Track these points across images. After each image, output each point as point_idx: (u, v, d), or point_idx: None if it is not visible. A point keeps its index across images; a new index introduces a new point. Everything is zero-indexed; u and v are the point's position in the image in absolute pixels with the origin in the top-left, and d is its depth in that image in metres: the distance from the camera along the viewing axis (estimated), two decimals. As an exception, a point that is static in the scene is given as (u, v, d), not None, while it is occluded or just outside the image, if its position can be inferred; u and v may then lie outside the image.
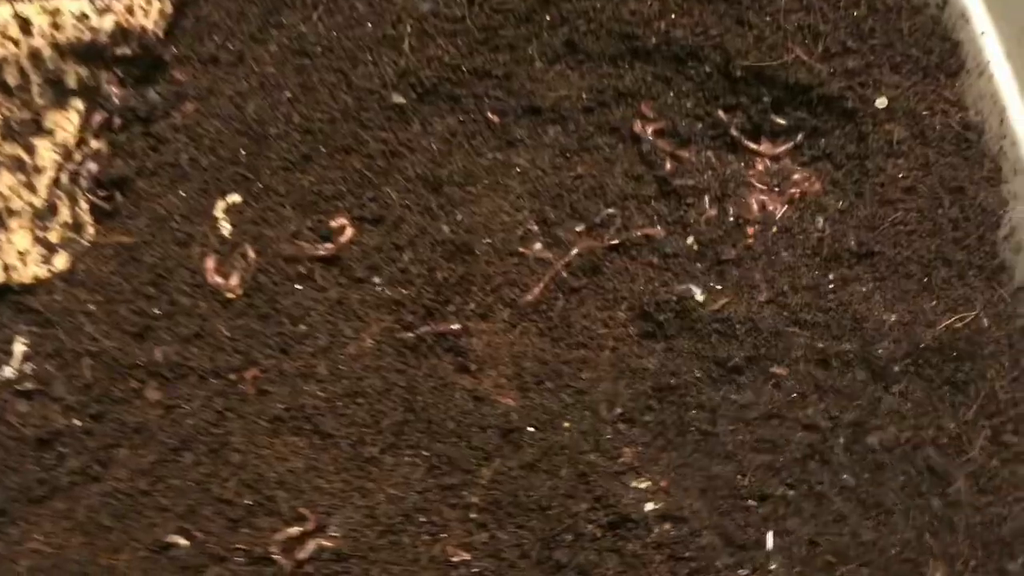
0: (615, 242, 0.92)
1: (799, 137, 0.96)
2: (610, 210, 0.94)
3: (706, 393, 0.85)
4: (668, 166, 0.94)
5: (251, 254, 0.89)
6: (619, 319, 0.91)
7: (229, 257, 0.89)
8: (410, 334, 0.87)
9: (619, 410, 0.85)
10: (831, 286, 0.87)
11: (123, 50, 0.90)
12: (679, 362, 0.87)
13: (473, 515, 0.81)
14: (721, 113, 0.97)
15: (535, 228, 0.94)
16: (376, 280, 0.89)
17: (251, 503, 0.82)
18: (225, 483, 0.82)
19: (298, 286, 0.89)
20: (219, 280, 0.88)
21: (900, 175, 0.90)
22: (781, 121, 0.96)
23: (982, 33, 0.91)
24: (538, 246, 0.93)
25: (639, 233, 0.92)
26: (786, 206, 0.93)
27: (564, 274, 0.91)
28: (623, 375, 0.88)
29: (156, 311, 0.87)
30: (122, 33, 0.89)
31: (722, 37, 0.94)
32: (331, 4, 0.96)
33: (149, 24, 0.91)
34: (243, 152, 0.92)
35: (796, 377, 0.85)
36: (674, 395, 0.86)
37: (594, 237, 0.93)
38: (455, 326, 0.89)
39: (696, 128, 0.97)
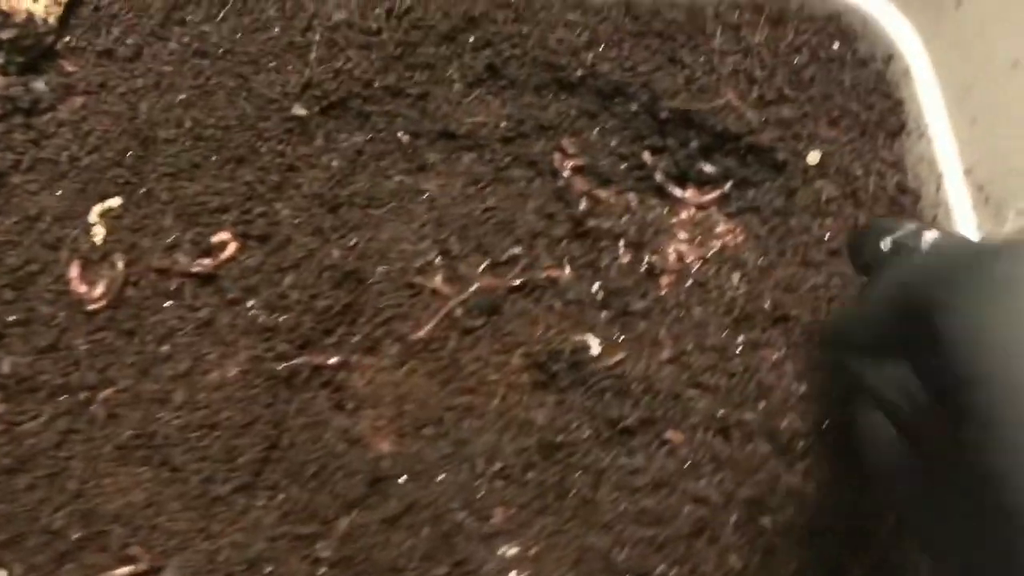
0: (518, 282, 0.86)
1: (727, 186, 0.90)
2: (517, 248, 0.87)
3: (593, 454, 0.79)
4: (584, 205, 0.88)
5: (120, 264, 0.82)
6: (513, 366, 0.84)
7: (98, 265, 0.82)
8: (282, 365, 0.81)
9: (499, 465, 0.79)
10: (739, 349, 0.81)
11: (7, 35, 0.84)
12: (569, 418, 0.80)
13: (322, 570, 0.74)
14: (647, 155, 0.91)
15: (437, 259, 0.88)
16: (251, 303, 0.82)
17: (82, 536, 0.74)
18: (57, 512, 0.75)
19: (167, 303, 0.82)
20: (83, 289, 0.81)
21: (826, 236, 0.85)
22: (709, 168, 0.90)
23: (925, 93, 0.86)
24: (437, 279, 0.87)
25: (544, 275, 0.86)
26: (704, 259, 0.87)
27: (460, 312, 0.85)
28: (509, 427, 0.81)
29: (11, 318, 0.80)
30: (4, 16, 0.82)
31: (651, 75, 0.89)
32: (239, 5, 0.90)
33: (39, 9, 0.85)
34: (129, 154, 0.86)
35: (691, 445, 0.78)
36: (560, 454, 0.79)
37: (497, 275, 0.87)
38: (333, 360, 0.82)
39: (619, 168, 0.91)
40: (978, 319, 0.41)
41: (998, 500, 0.39)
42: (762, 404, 0.79)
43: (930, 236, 0.62)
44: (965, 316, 0.42)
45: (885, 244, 0.63)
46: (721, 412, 0.78)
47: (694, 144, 0.90)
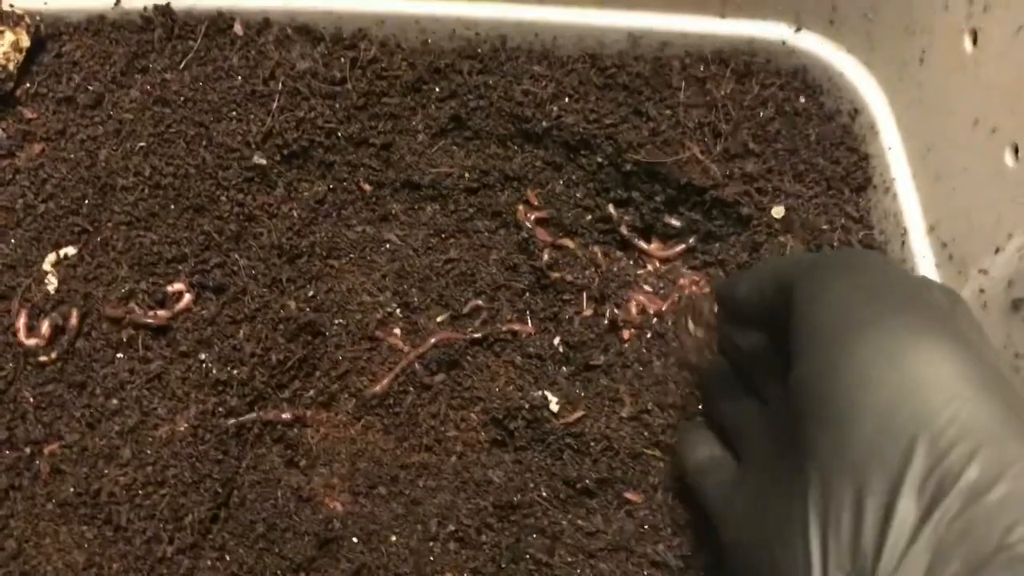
0: (478, 335, 0.84)
1: (691, 240, 0.89)
2: (478, 300, 0.86)
3: (551, 516, 0.77)
4: (547, 257, 0.87)
5: (74, 315, 0.80)
6: (471, 422, 0.82)
7: (49, 315, 0.81)
8: (233, 420, 0.79)
9: (452, 527, 0.76)
10: (699, 407, 0.79)
11: (-36, 82, 0.83)
12: (527, 477, 0.78)
13: (267, 635, 0.72)
14: (611, 208, 0.90)
15: (397, 312, 0.87)
16: (203, 356, 0.80)
17: (20, 599, 0.72)
18: (-7, 573, 0.73)
19: (119, 355, 0.80)
20: (32, 341, 0.79)
21: (791, 291, 0.83)
22: (674, 222, 0.89)
23: (889, 148, 0.85)
24: (396, 332, 0.86)
25: (505, 328, 0.85)
26: (666, 311, 0.85)
27: (418, 366, 0.83)
28: (465, 486, 0.79)
29: (-43, 369, 0.79)
30: (-38, 64, 0.82)
31: (616, 127, 0.88)
32: (202, 53, 0.89)
33: (-1, 57, 0.84)
34: (86, 202, 0.85)
35: (650, 506, 0.77)
36: (516, 515, 0.77)
37: (457, 328, 0.85)
38: (286, 415, 0.80)
39: (584, 220, 0.90)
40: (822, 288, 0.52)
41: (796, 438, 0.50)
42: (723, 465, 0.77)
43: None
44: (813, 284, 0.53)
45: None
46: (680, 472, 0.76)
47: (659, 197, 0.89)
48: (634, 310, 0.85)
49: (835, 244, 0.84)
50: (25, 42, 0.86)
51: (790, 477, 0.50)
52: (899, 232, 0.83)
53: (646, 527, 0.76)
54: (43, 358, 0.79)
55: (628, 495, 0.77)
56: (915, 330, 0.47)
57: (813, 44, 0.89)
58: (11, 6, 0.87)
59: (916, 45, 0.80)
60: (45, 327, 0.80)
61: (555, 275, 0.86)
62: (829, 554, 0.45)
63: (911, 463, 0.43)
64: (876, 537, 0.44)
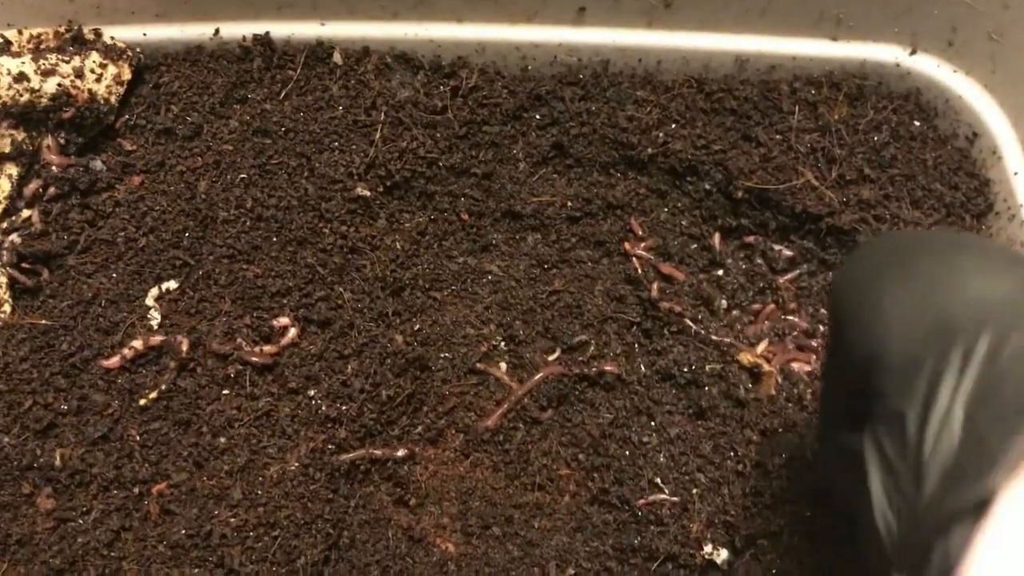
0: (586, 371, 0.82)
1: (803, 268, 0.86)
2: (585, 335, 0.84)
3: (674, 556, 0.74)
4: (655, 291, 0.84)
5: (185, 343, 0.79)
6: (583, 461, 0.79)
7: (149, 345, 0.79)
8: (343, 457, 0.77)
9: (572, 570, 0.74)
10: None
11: (67, 115, 0.82)
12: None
13: None
14: (717, 237, 0.87)
15: (501, 345, 0.85)
16: (312, 392, 0.78)
17: (134, 645, 0.70)
18: (107, 618, 0.71)
19: (225, 391, 0.79)
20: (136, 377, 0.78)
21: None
22: (786, 251, 0.86)
23: (1015, 173, 0.82)
24: (503, 366, 0.83)
25: (598, 369, 0.82)
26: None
27: (527, 401, 0.81)
28: (582, 528, 0.76)
29: (64, 407, 0.77)
30: (67, 96, 0.81)
31: (725, 153, 0.86)
32: (302, 82, 0.88)
33: (101, 89, 0.84)
34: (187, 235, 0.84)
35: (779, 551, 0.73)
36: (636, 558, 0.74)
37: (563, 362, 0.83)
38: (400, 452, 0.78)
39: (689, 249, 0.88)
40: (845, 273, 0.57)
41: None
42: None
43: None
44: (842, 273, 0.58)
45: None
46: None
47: (771, 225, 0.86)
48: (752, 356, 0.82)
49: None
50: (127, 75, 0.86)
51: None
52: (1029, 261, 0.79)
53: (774, 571, 0.73)
54: (142, 401, 0.78)
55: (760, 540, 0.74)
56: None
57: (929, 66, 0.86)
58: (112, 39, 0.86)
59: (1049, 67, 0.77)
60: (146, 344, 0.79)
61: (664, 305, 0.84)
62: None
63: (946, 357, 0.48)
64: (919, 420, 0.48)
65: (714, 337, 0.82)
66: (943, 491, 0.45)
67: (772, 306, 0.85)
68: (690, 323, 0.83)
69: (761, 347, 0.82)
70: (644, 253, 0.86)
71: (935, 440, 0.46)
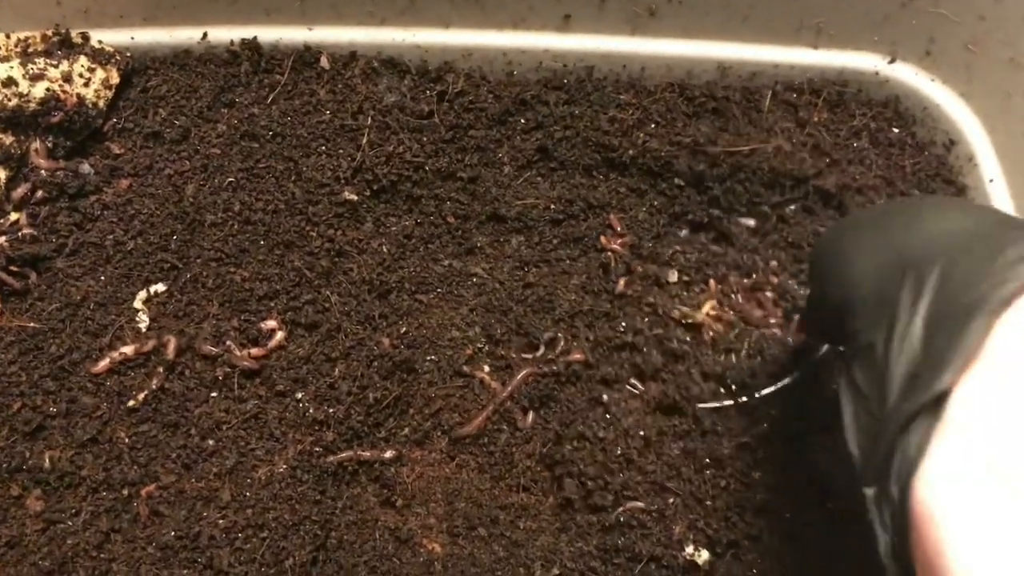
0: (555, 368, 0.83)
1: (766, 236, 0.89)
2: (552, 332, 0.85)
3: (658, 558, 0.75)
4: (622, 284, 0.86)
5: (171, 344, 0.80)
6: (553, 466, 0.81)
7: (141, 351, 0.80)
8: (331, 459, 0.78)
9: (557, 570, 0.75)
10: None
11: (56, 119, 0.82)
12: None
13: None
14: (684, 234, 0.89)
15: (485, 347, 0.86)
16: (300, 395, 0.79)
17: (122, 646, 0.71)
18: (96, 619, 0.72)
19: (213, 394, 0.80)
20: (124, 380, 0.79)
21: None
22: (748, 221, 0.89)
23: (991, 180, 0.84)
24: (486, 368, 0.85)
25: (576, 356, 0.83)
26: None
27: (510, 404, 0.82)
28: (566, 528, 0.78)
29: (53, 409, 0.78)
30: (55, 101, 0.81)
31: (700, 143, 0.87)
32: (289, 87, 0.89)
33: (89, 93, 0.84)
34: (175, 238, 0.84)
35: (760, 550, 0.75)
36: (620, 558, 0.76)
37: (536, 362, 0.84)
38: (387, 454, 0.79)
39: (662, 243, 0.89)
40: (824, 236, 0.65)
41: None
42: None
43: None
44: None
45: None
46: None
47: (742, 198, 0.88)
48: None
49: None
50: (115, 79, 0.86)
51: None
52: (1002, 266, 0.81)
53: (754, 571, 0.74)
54: (131, 403, 0.78)
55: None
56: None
57: (907, 75, 0.88)
58: (100, 43, 0.87)
59: (1023, 78, 0.79)
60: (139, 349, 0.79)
61: (631, 294, 0.85)
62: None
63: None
64: (884, 345, 0.51)
65: (661, 310, 0.86)
66: (902, 399, 0.48)
67: (713, 282, 0.88)
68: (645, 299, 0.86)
69: (706, 307, 0.86)
70: (619, 248, 0.87)
71: (897, 356, 0.50)
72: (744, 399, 0.81)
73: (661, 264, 0.88)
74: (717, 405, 0.81)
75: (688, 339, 0.84)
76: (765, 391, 0.81)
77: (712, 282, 0.88)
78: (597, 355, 0.83)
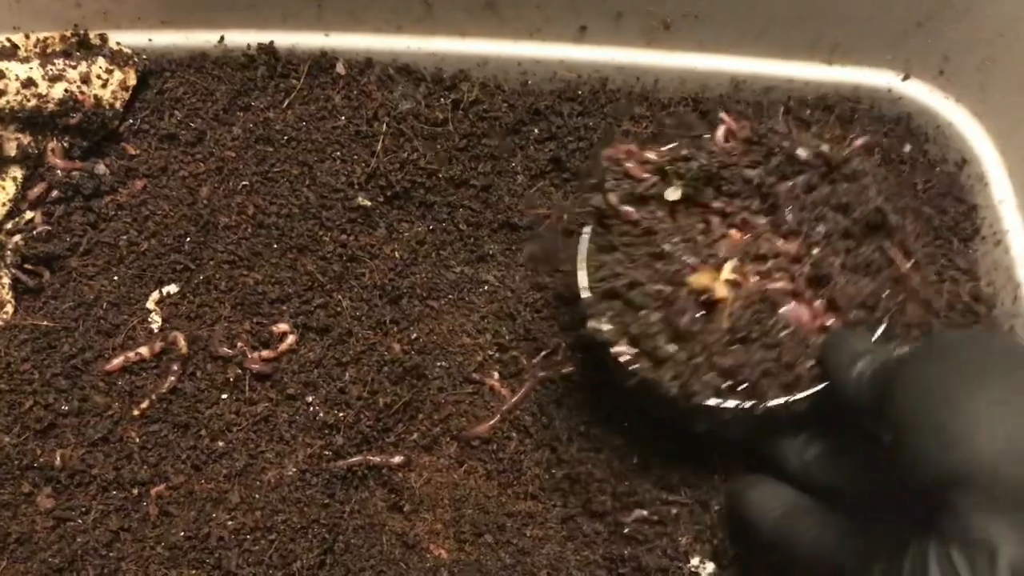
0: (551, 375, 0.83)
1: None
2: (558, 338, 0.85)
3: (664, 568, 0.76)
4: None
5: (181, 340, 0.80)
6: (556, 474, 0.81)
7: (155, 352, 0.81)
8: (340, 463, 0.78)
9: (562, 579, 0.75)
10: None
11: (73, 120, 0.83)
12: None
13: None
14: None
15: (495, 354, 0.86)
16: (310, 399, 0.80)
17: (131, 645, 0.72)
18: (104, 618, 0.72)
19: (224, 396, 0.80)
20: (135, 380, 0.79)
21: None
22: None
23: (1001, 200, 0.84)
24: (495, 375, 0.85)
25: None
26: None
27: (519, 411, 0.83)
28: (572, 537, 0.78)
29: (65, 408, 0.78)
30: (74, 102, 0.82)
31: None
32: (305, 92, 0.89)
33: (107, 95, 0.85)
34: (188, 240, 0.85)
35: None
36: (625, 567, 0.76)
37: (543, 367, 0.84)
38: (396, 459, 0.79)
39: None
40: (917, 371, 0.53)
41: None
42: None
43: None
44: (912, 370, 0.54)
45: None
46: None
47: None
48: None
49: (944, 296, 0.83)
50: (132, 80, 0.87)
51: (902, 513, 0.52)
52: (1011, 286, 0.82)
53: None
54: (135, 412, 0.79)
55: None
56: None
57: (921, 93, 0.88)
58: (118, 44, 0.87)
59: (1036, 100, 0.79)
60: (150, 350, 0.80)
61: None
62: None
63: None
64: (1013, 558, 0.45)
65: (667, 247, 0.73)
66: None
67: (736, 232, 0.74)
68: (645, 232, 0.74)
69: (728, 267, 0.72)
70: None
71: None
72: (750, 405, 0.68)
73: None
74: (724, 405, 0.68)
75: (700, 317, 0.69)
76: (774, 402, 0.67)
77: (735, 232, 0.74)
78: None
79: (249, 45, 0.90)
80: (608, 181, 0.74)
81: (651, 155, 0.75)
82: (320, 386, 0.81)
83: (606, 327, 0.71)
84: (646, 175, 0.75)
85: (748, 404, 0.68)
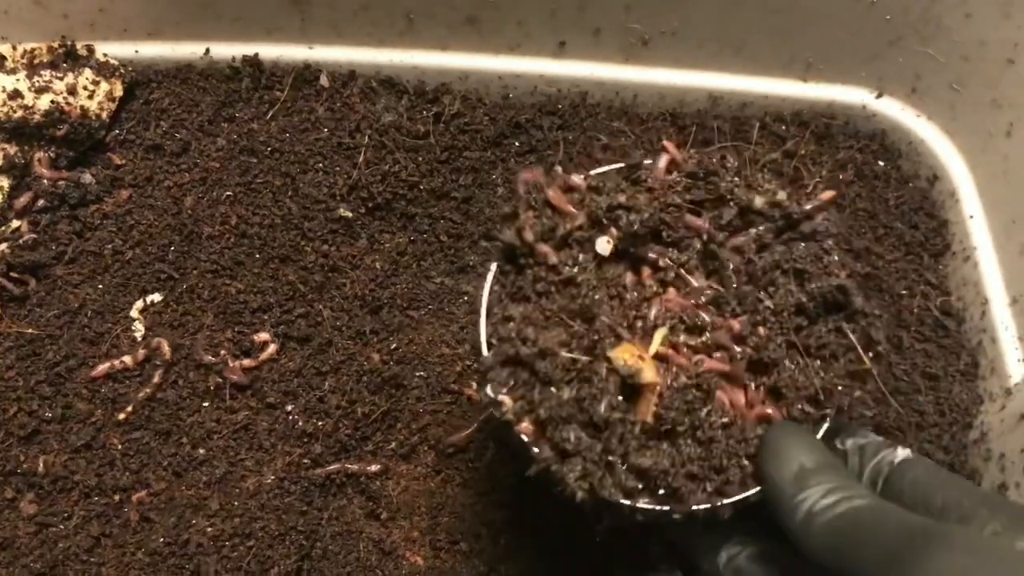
0: None
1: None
2: None
3: (634, 579, 0.77)
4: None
5: (165, 346, 0.81)
6: (550, 479, 0.83)
7: (138, 361, 0.82)
8: (319, 471, 0.80)
9: (535, 587, 0.77)
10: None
11: (60, 131, 0.84)
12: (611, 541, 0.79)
13: None
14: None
15: (473, 364, 0.87)
16: (290, 407, 0.81)
17: (110, 649, 0.73)
18: (86, 622, 0.74)
19: (205, 403, 0.81)
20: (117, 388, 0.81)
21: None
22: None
23: (971, 216, 0.85)
24: (475, 385, 0.86)
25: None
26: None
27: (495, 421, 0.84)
28: (547, 546, 0.79)
29: (48, 414, 0.80)
30: (60, 113, 0.83)
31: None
32: (288, 104, 0.91)
33: (93, 105, 0.86)
34: (172, 249, 0.86)
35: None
36: (598, 576, 0.77)
37: None
38: (373, 467, 0.81)
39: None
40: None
41: None
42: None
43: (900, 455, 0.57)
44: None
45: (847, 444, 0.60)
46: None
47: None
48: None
49: (915, 310, 0.85)
50: (118, 92, 0.88)
51: None
52: (979, 301, 0.83)
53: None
54: (121, 416, 0.80)
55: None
56: None
57: (894, 110, 0.90)
58: (105, 56, 0.89)
59: (1004, 119, 0.81)
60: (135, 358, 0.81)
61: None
62: None
63: None
64: None
65: (588, 302, 0.60)
66: None
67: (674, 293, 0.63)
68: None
69: (659, 337, 0.60)
70: None
71: None
72: (668, 509, 0.56)
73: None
74: (639, 505, 0.56)
75: (620, 403, 0.57)
76: (697, 507, 0.56)
77: (671, 291, 0.62)
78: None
79: (234, 57, 0.91)
80: (523, 212, 0.62)
81: (577, 179, 0.63)
82: (300, 395, 0.82)
83: (507, 402, 0.58)
84: (571, 208, 0.62)
85: (666, 508, 0.56)
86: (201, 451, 0.80)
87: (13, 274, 0.84)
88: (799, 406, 0.59)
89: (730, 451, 0.57)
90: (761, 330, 0.60)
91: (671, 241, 0.63)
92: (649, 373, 0.56)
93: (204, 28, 0.89)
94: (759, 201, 0.62)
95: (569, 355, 0.57)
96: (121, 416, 0.80)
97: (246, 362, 0.83)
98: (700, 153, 0.65)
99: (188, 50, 0.91)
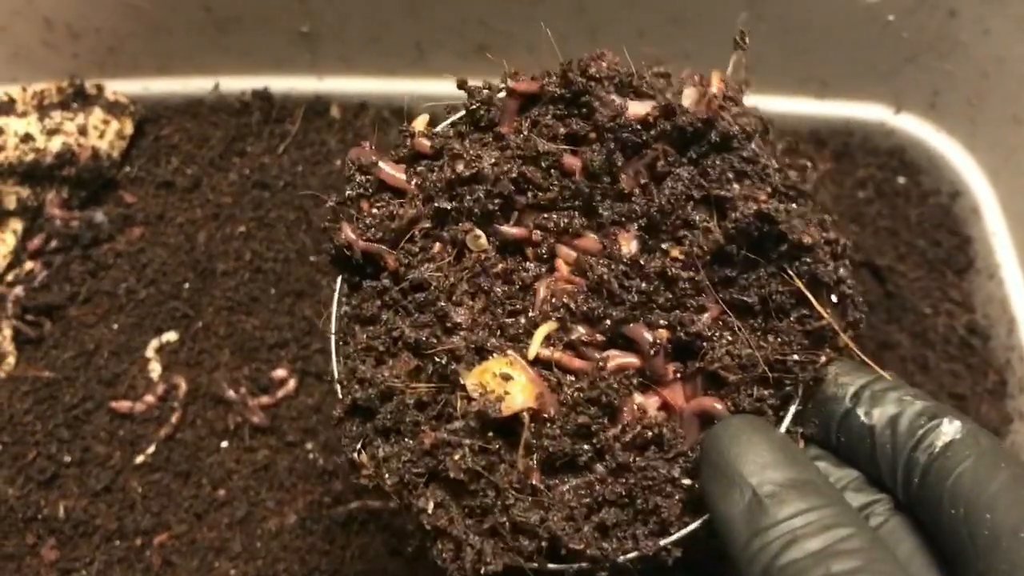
0: None
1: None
2: None
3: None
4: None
5: (182, 385, 0.81)
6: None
7: (154, 399, 0.81)
8: (340, 509, 0.79)
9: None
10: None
11: (71, 171, 0.84)
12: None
13: None
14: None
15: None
16: (309, 446, 0.81)
17: None
18: (110, 670, 0.73)
19: (224, 443, 0.81)
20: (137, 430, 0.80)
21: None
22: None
23: (994, 233, 0.84)
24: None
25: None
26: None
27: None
28: (565, 572, 0.78)
29: (67, 458, 0.79)
30: (71, 155, 0.83)
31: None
32: (300, 136, 0.90)
33: (104, 145, 0.86)
34: (186, 286, 0.86)
35: None
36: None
37: None
38: (393, 504, 0.80)
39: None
40: None
41: None
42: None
43: (949, 432, 0.42)
44: None
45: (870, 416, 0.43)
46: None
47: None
48: None
49: (940, 329, 0.83)
50: (129, 129, 0.88)
51: None
52: (1006, 319, 0.82)
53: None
54: (139, 459, 0.79)
55: None
56: None
57: (913, 126, 0.88)
58: (115, 94, 0.88)
59: (1026, 134, 0.80)
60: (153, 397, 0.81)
61: None
62: None
63: None
64: None
65: (443, 306, 0.46)
66: None
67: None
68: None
69: (540, 335, 0.45)
70: None
71: None
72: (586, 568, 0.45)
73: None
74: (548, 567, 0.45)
75: (490, 445, 0.45)
76: (624, 558, 0.44)
77: (561, 264, 0.48)
78: None
79: (244, 91, 0.90)
80: (351, 204, 0.49)
81: (423, 139, 0.50)
82: (319, 432, 0.81)
83: (365, 462, 0.45)
84: (413, 187, 0.48)
85: (583, 566, 0.44)
86: (221, 492, 0.79)
87: (28, 316, 0.84)
88: (749, 392, 0.44)
89: (658, 478, 0.43)
90: (671, 293, 0.45)
91: (543, 204, 0.47)
92: (520, 396, 0.42)
93: (213, 62, 0.89)
94: (640, 109, 0.46)
95: (416, 387, 0.44)
96: (140, 459, 0.79)
97: (264, 399, 0.82)
98: (564, 66, 0.49)
99: (197, 85, 0.90)
